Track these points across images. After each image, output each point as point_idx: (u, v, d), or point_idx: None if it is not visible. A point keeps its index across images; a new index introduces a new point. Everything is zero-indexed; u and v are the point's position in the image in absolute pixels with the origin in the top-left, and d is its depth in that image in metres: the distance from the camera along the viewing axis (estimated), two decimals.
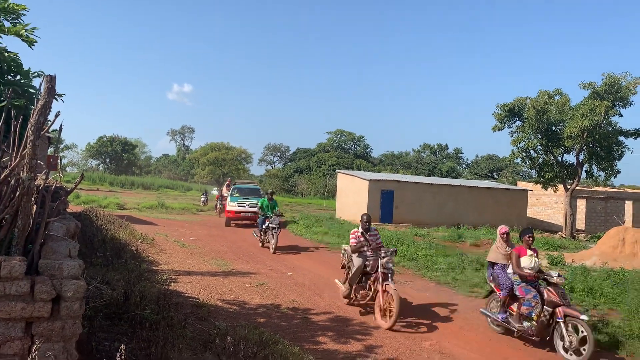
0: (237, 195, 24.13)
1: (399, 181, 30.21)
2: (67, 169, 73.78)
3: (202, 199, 36.83)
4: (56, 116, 4.18)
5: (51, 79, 3.86)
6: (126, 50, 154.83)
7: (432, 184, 31.42)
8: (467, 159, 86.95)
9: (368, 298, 8.62)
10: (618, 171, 26.17)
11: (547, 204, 35.02)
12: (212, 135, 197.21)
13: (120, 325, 5.88)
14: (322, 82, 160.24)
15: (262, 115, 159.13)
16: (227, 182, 29.66)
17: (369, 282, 8.68)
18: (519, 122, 26.98)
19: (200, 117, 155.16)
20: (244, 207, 22.97)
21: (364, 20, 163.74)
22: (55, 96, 4.71)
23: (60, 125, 4.64)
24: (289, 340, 6.64)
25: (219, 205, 28.38)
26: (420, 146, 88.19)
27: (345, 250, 9.52)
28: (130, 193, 47.73)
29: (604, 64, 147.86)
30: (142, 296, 6.69)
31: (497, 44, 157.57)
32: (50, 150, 23.60)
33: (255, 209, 20.69)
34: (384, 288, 8.17)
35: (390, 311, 7.87)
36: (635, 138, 25.71)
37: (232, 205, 23.24)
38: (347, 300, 9.07)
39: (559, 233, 28.06)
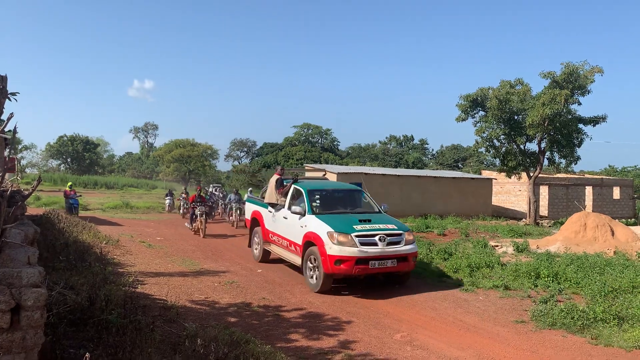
0: (326, 211, 10.80)
1: (366, 173, 30.32)
2: (26, 170, 71.61)
3: (167, 201, 29.68)
4: (9, 117, 4.01)
5: (2, 79, 3.69)
6: (83, 46, 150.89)
7: (399, 175, 31.67)
8: (433, 150, 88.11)
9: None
10: (578, 158, 26.86)
11: (511, 191, 35.73)
12: (177, 131, 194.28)
13: (85, 331, 5.72)
14: (287, 76, 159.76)
15: (228, 110, 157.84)
16: (277, 173, 12.47)
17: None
18: (482, 112, 27.34)
19: (164, 114, 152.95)
20: (376, 245, 9.72)
21: (325, 15, 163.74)
22: (9, 95, 4.52)
23: (15, 127, 4.46)
24: (260, 339, 6.58)
25: (199, 215, 17.75)
26: (386, 138, 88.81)
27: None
28: (93, 193, 46.68)
29: (563, 53, 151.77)
30: (107, 300, 6.52)
31: (458, 35, 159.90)
32: (8, 152, 22.70)
33: (400, 247, 9.90)
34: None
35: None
36: (594, 125, 26.38)
37: (342, 243, 9.55)
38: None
39: (523, 220, 28.68)
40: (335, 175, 28.71)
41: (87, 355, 3.48)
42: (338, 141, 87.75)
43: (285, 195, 11.65)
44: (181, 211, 25.93)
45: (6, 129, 4.33)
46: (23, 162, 72.51)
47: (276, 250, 11.91)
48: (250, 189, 24.27)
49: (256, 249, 13.02)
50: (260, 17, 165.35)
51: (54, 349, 4.87)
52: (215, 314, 7.97)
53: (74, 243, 11.60)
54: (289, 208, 11.14)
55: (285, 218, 11.26)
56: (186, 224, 19.84)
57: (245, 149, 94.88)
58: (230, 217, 22.01)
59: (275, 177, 12.26)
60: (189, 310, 7.96)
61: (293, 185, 11.63)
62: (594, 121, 26.28)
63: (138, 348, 5.21)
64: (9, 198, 4.13)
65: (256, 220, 12.97)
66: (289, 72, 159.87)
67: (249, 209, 13.75)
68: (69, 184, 26.29)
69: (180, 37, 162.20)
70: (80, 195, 24.93)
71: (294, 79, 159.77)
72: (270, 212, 12.02)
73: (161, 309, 7.65)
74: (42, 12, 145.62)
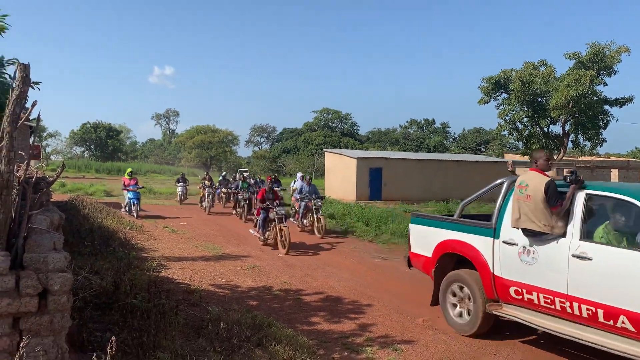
0: None
1: (386, 158, 30.22)
2: (51, 157, 72.99)
3: (179, 189, 23.91)
4: (33, 105, 4.06)
5: (25, 68, 3.72)
6: (103, 34, 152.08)
7: (420, 159, 31.49)
8: (454, 133, 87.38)
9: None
10: (604, 140, 26.39)
11: None
12: (198, 118, 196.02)
13: (111, 315, 5.83)
14: (307, 60, 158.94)
15: (248, 96, 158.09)
16: (538, 170, 6.10)
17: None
18: (504, 95, 27.01)
19: (184, 100, 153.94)
20: None
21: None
22: (32, 84, 4.57)
23: (39, 115, 4.52)
24: (282, 322, 6.63)
25: (277, 221, 12.48)
26: (407, 122, 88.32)
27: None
28: (117, 179, 47.29)
29: (589, 33, 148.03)
30: (132, 284, 6.64)
31: (481, 16, 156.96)
32: (33, 139, 22.59)
33: None
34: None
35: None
36: (620, 106, 25.86)
37: None
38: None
39: None
40: (355, 160, 28.63)
41: (112, 339, 3.54)
42: (358, 126, 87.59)
43: (566, 214, 5.82)
44: (204, 204, 21.03)
45: (30, 117, 4.38)
46: (48, 149, 73.95)
47: (540, 323, 5.96)
48: (301, 174, 18.16)
49: (455, 306, 6.94)
50: (279, 2, 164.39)
51: (81, 332, 4.98)
52: (238, 297, 8.05)
53: (98, 228, 11.82)
54: (592, 239, 5.48)
55: (586, 258, 5.40)
56: (251, 230, 13.97)
57: (265, 135, 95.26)
58: (304, 220, 15.69)
59: (541, 178, 6.00)
60: (212, 294, 8.05)
61: (585, 192, 5.93)
62: (621, 102, 25.73)
63: (162, 331, 5.29)
64: (34, 185, 4.20)
65: (454, 258, 7.15)
66: (309, 56, 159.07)
67: (430, 236, 7.45)
68: (129, 170, 19.28)
69: (199, 23, 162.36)
70: (143, 187, 19.44)
71: (314, 63, 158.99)
72: (515, 245, 6.17)
73: (185, 292, 7.75)
74: (63, 1, 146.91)
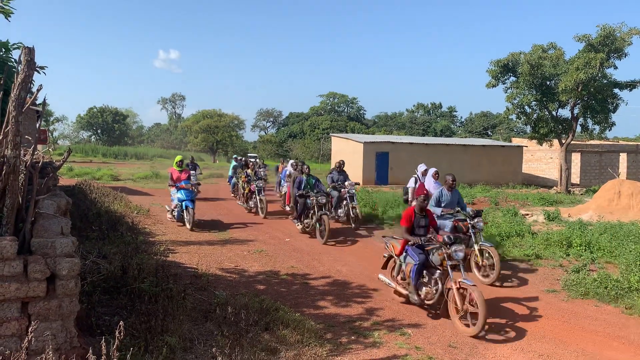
0: None
1: (393, 142, 30.10)
2: (59, 141, 73.20)
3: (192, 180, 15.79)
4: (38, 90, 4.03)
5: (30, 51, 3.69)
6: (106, 18, 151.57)
7: (426, 144, 31.34)
8: (461, 117, 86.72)
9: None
10: (613, 124, 26.08)
11: (542, 159, 35.04)
12: (204, 102, 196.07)
13: (119, 299, 5.86)
14: (313, 44, 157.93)
15: (254, 80, 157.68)
16: None
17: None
18: (513, 78, 26.71)
19: (190, 84, 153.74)
20: None
21: None
22: (37, 69, 4.53)
23: (44, 99, 4.49)
24: (289, 307, 6.64)
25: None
26: (413, 106, 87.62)
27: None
28: (124, 164, 47.49)
29: (599, 15, 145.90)
30: (140, 269, 6.67)
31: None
32: (39, 124, 22.63)
33: None
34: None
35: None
36: (630, 90, 25.51)
37: None
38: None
39: (555, 188, 28.18)
40: (362, 144, 28.53)
41: (120, 323, 3.55)
42: (364, 110, 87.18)
43: None
44: (252, 203, 15.82)
45: (36, 102, 4.36)
46: (55, 134, 74.08)
47: None
48: (431, 168, 11.10)
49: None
50: None
51: (89, 316, 5.01)
52: (245, 282, 8.07)
53: (106, 213, 11.85)
54: None
55: None
56: (383, 277, 7.73)
57: (272, 119, 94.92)
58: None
59: None
60: (219, 278, 8.07)
61: None
62: (631, 85, 25.40)
63: (170, 315, 5.31)
64: (41, 169, 4.19)
65: None
66: (315, 39, 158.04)
67: None
68: (178, 158, 13.72)
69: (204, 6, 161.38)
70: (199, 183, 15.41)
71: (320, 47, 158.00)
72: None
73: (192, 277, 7.77)
74: None
